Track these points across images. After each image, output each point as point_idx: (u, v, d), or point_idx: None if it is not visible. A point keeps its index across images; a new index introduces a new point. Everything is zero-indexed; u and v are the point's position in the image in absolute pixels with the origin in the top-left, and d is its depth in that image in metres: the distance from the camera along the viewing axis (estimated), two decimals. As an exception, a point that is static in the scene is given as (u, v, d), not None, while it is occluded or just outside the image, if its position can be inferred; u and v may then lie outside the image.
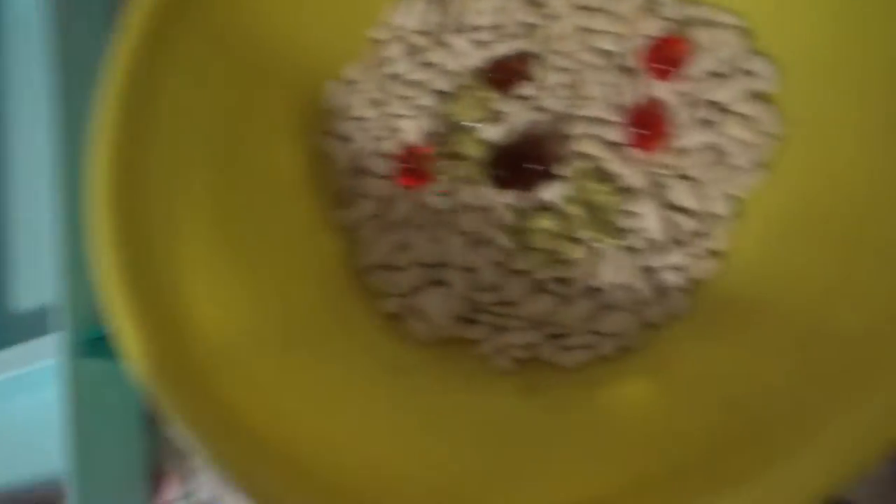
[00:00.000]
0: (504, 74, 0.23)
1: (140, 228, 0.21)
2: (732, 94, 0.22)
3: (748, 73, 0.22)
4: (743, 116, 0.21)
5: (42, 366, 0.24)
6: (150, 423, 0.27)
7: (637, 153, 0.22)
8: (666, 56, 0.21)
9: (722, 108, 0.22)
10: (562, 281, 0.22)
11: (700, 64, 0.22)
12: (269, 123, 0.24)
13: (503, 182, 0.22)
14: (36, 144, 0.31)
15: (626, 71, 0.22)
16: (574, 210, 0.22)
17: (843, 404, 0.15)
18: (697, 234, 0.21)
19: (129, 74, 0.21)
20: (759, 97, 0.22)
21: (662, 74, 0.22)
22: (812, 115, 0.21)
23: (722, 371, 0.19)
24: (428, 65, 0.25)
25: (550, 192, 0.22)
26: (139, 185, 0.20)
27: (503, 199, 0.22)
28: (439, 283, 0.23)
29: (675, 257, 0.21)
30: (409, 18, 0.25)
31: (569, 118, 0.22)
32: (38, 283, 0.29)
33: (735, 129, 0.21)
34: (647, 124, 0.21)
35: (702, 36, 0.22)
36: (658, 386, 0.20)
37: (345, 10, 0.25)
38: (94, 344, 0.25)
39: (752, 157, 0.21)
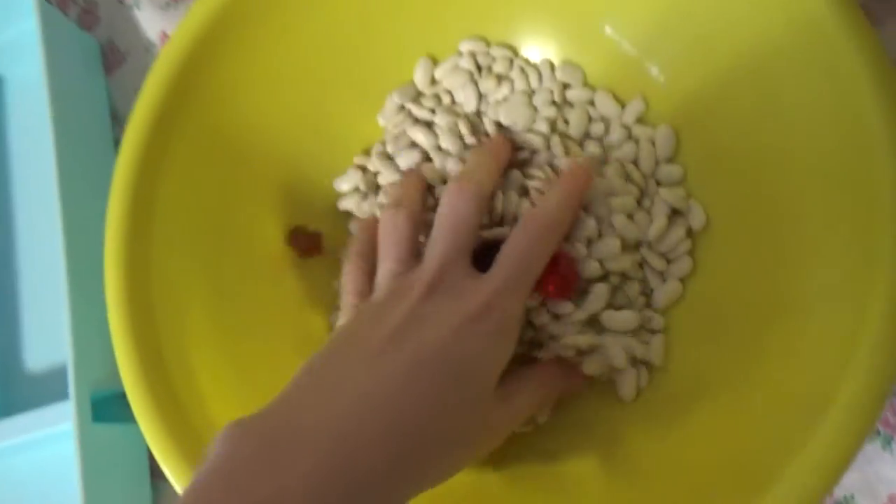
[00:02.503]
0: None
1: (145, 311, 0.24)
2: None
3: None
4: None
5: (57, 430, 0.27)
6: (155, 480, 0.29)
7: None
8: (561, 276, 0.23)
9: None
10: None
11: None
12: (256, 210, 0.27)
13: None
14: (47, 213, 0.33)
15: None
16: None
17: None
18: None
19: (133, 172, 0.24)
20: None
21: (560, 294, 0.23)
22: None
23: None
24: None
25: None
26: (144, 270, 0.24)
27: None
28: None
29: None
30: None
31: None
32: (53, 345, 0.32)
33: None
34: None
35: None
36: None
37: (317, 104, 0.28)
38: (103, 404, 0.28)
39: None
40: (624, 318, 0.23)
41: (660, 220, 0.24)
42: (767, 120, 0.22)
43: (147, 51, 0.32)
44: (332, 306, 0.27)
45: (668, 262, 0.25)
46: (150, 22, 0.31)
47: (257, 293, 0.27)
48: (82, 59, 0.32)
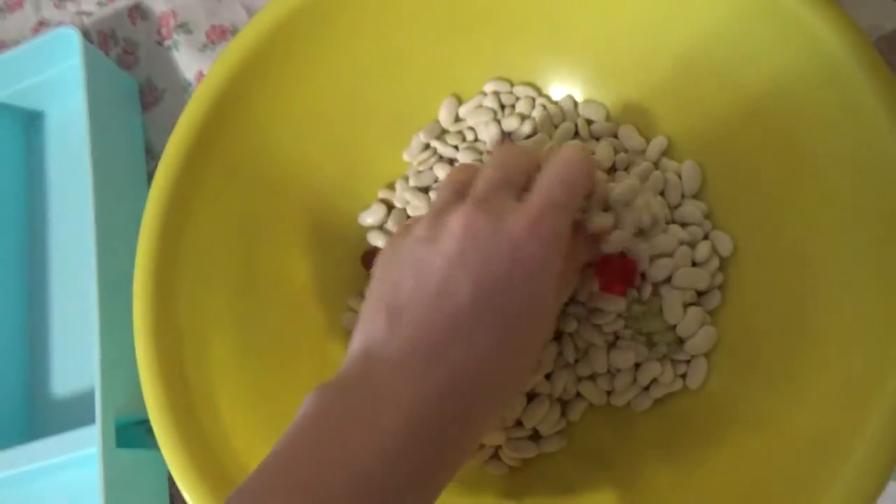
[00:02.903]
0: None
1: (171, 340, 0.24)
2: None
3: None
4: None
5: (82, 454, 0.27)
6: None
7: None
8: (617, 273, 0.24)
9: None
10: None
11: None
12: (283, 242, 0.28)
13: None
14: (76, 241, 0.35)
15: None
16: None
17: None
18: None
19: (163, 206, 0.25)
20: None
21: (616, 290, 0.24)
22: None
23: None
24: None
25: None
26: (172, 300, 0.24)
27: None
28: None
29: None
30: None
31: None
32: (80, 372, 0.32)
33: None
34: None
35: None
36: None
37: (343, 140, 0.28)
38: (127, 430, 0.28)
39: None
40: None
41: (703, 250, 0.25)
42: (790, 158, 0.23)
43: (184, 90, 0.33)
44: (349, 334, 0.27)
45: (700, 294, 0.25)
46: (188, 62, 0.33)
47: (281, 324, 0.27)
48: (120, 97, 0.33)
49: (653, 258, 0.25)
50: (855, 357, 0.19)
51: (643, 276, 0.25)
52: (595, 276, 0.24)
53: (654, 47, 0.26)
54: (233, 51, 0.27)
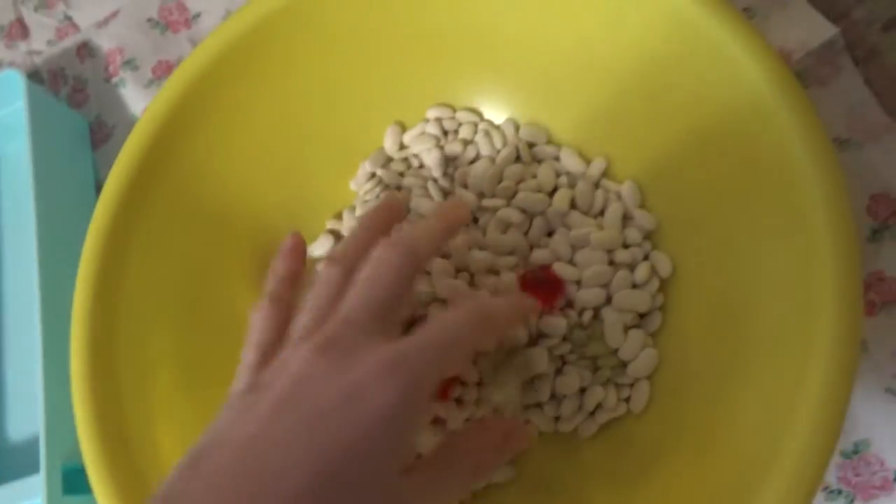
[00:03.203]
0: None
1: (111, 377, 0.24)
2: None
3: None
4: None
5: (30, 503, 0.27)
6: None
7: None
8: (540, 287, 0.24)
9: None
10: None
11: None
12: (230, 275, 0.27)
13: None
14: (24, 284, 0.34)
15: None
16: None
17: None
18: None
19: (101, 244, 0.25)
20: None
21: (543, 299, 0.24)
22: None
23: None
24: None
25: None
26: (110, 344, 0.24)
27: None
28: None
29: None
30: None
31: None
32: (32, 418, 0.32)
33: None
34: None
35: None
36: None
37: (289, 170, 0.28)
38: (76, 476, 0.28)
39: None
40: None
41: (643, 271, 0.25)
42: (718, 177, 0.23)
43: (132, 126, 0.33)
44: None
45: (641, 316, 0.25)
46: (135, 99, 0.33)
47: (229, 358, 0.27)
48: (70, 135, 0.33)
49: (592, 282, 0.25)
50: (776, 378, 0.19)
51: (570, 303, 0.25)
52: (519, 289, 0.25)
53: (590, 71, 0.26)
54: (172, 85, 0.27)
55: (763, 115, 0.20)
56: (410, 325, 0.25)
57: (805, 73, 0.25)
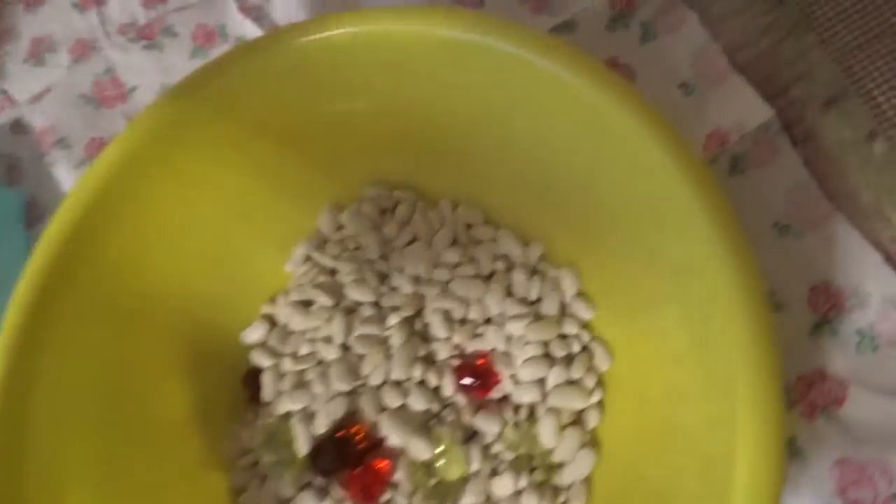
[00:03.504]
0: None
1: (23, 489, 0.23)
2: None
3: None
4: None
5: None
6: None
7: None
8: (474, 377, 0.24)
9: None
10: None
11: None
12: (156, 369, 0.26)
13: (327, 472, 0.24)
14: None
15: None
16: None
17: None
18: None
19: (10, 344, 0.23)
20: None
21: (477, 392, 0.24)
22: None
23: None
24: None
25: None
26: (18, 464, 0.22)
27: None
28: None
29: None
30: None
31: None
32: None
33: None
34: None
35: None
36: None
37: (223, 255, 0.27)
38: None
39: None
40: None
41: (580, 365, 0.24)
42: (642, 262, 0.22)
43: (68, 203, 0.32)
44: (229, 466, 0.26)
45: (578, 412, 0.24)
46: (67, 179, 0.32)
47: (155, 462, 0.25)
48: (4, 214, 0.33)
49: (526, 377, 0.24)
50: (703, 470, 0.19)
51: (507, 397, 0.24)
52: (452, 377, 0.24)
53: (519, 154, 0.25)
54: (95, 169, 0.25)
55: (677, 214, 0.19)
56: (366, 450, 0.24)
57: (743, 155, 0.24)
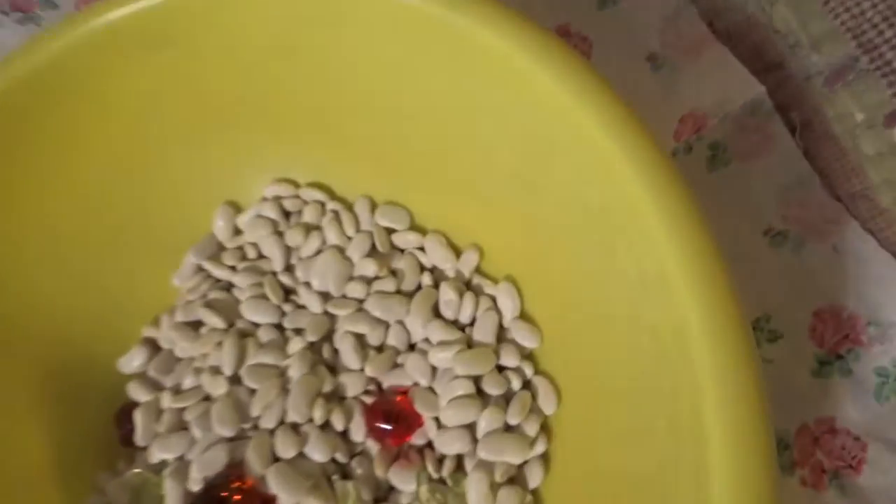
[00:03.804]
0: None
1: None
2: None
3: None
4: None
5: None
6: None
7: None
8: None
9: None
10: None
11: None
12: (9, 409, 0.21)
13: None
14: None
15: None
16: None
17: None
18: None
19: None
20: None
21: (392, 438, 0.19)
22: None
23: None
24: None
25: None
26: None
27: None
28: None
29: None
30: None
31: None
32: None
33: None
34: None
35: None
36: None
37: (96, 268, 0.23)
38: None
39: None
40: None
41: (520, 407, 0.19)
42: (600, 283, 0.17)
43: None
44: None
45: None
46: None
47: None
48: None
49: (453, 420, 0.19)
50: None
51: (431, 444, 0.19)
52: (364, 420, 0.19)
53: (454, 143, 0.20)
54: None
55: (631, 218, 0.14)
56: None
57: (725, 143, 0.19)
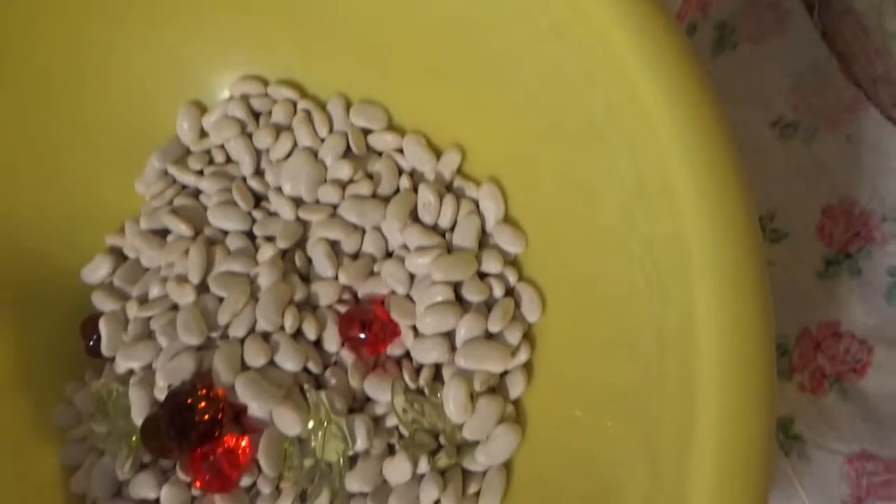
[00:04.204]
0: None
1: None
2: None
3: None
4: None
5: None
6: None
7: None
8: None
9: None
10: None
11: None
12: None
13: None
14: None
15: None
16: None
17: None
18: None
19: None
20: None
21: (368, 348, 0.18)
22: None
23: None
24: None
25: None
26: None
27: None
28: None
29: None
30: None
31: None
32: None
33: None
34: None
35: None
36: None
37: (55, 171, 0.21)
38: None
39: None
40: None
41: (501, 314, 0.18)
42: (588, 185, 0.16)
43: None
44: (62, 437, 0.21)
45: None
46: None
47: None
48: None
49: (430, 327, 0.18)
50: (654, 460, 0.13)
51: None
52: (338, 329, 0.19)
53: (432, 33, 0.18)
54: None
55: (631, 106, 0.13)
56: (219, 423, 0.18)
57: (733, 22, 0.17)
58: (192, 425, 0.18)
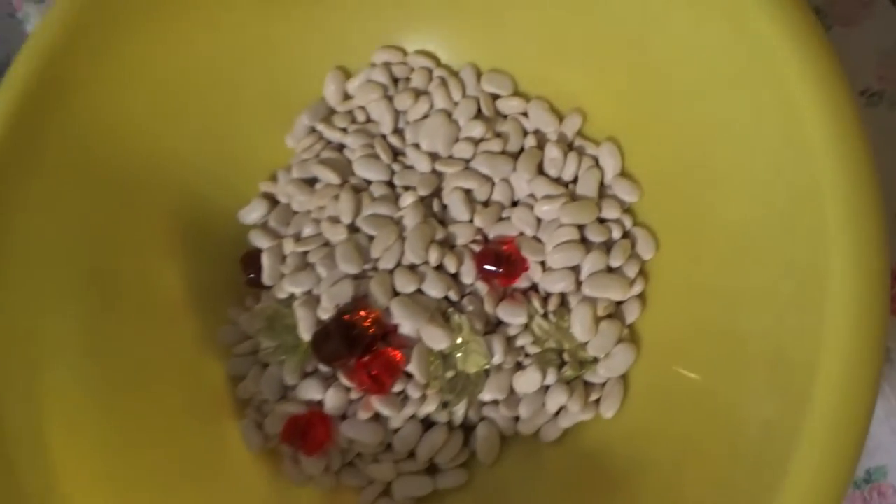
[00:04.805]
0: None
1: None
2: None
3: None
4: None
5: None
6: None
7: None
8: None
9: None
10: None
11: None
12: (145, 244, 0.23)
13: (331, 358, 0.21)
14: None
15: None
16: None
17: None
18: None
19: None
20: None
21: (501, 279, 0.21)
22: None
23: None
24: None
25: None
26: None
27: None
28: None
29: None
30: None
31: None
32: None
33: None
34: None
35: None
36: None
37: (216, 126, 0.24)
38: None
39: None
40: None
41: (620, 252, 0.21)
42: (712, 139, 0.19)
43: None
44: (227, 353, 0.24)
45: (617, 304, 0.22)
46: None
47: (147, 345, 0.23)
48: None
49: (559, 263, 0.21)
50: (780, 392, 0.16)
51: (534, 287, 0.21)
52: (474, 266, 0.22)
53: (563, 13, 0.21)
54: (60, 11, 0.21)
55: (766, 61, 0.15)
56: (376, 338, 0.21)
57: (825, 9, 0.20)
58: (360, 338, 0.21)
